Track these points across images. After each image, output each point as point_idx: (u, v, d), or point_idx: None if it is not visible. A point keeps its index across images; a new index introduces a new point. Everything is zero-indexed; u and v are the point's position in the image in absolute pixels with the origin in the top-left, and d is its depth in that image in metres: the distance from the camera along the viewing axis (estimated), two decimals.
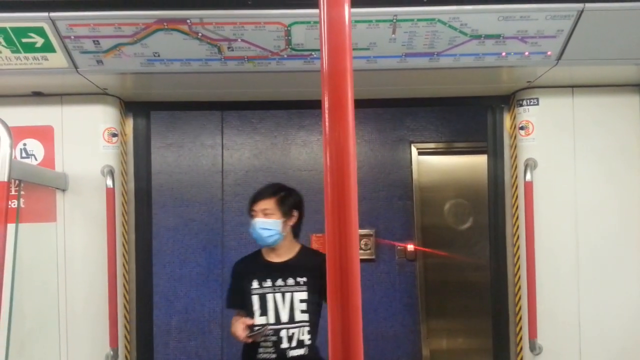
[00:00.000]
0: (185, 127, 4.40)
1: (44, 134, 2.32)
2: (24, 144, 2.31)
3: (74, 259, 2.30)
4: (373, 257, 4.37)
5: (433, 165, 4.50)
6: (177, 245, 4.36)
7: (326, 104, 0.89)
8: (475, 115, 4.40)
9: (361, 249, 4.35)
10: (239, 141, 4.43)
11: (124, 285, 2.40)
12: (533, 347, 2.30)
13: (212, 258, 4.37)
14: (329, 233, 0.86)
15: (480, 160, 4.37)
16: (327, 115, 0.88)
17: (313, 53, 1.95)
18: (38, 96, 2.30)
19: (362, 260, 4.29)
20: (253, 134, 4.44)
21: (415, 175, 4.43)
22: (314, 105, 2.48)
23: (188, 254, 4.37)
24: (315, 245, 4.35)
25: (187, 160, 4.40)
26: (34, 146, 2.31)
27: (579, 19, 1.82)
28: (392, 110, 4.41)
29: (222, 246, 4.38)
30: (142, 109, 2.49)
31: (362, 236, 4.35)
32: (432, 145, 4.47)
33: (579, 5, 1.79)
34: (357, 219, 0.87)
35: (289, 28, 1.84)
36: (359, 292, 0.86)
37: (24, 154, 2.31)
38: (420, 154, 4.45)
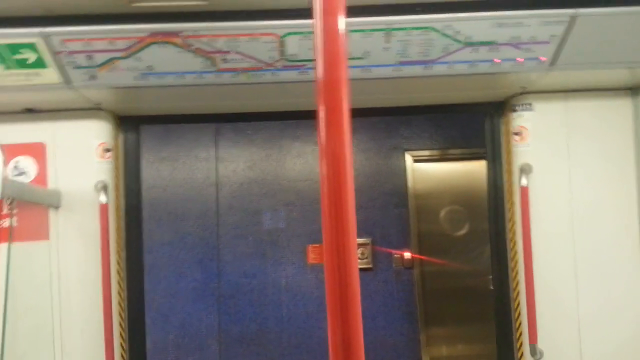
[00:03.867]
0: (180, 141, 4.39)
1: (37, 151, 2.29)
2: (16, 162, 2.28)
3: (68, 278, 2.26)
4: (370, 265, 4.37)
5: (428, 172, 4.51)
6: (173, 259, 4.33)
7: (322, 114, 0.88)
8: (469, 122, 4.43)
9: (358, 258, 4.33)
10: (234, 153, 4.42)
11: (119, 304, 2.36)
12: (534, 352, 2.28)
13: (208, 272, 4.34)
14: (326, 243, 0.85)
15: (474, 167, 4.41)
16: (323, 125, 0.87)
17: (307, 63, 1.94)
18: (30, 113, 2.27)
19: (359, 270, 4.30)
20: (247, 145, 4.44)
21: (410, 183, 4.43)
22: (309, 115, 2.47)
23: (184, 268, 4.33)
24: (311, 256, 4.34)
25: (181, 174, 4.39)
26: (26, 163, 2.28)
27: (572, 24, 1.83)
28: (387, 119, 4.42)
29: (218, 260, 4.35)
30: (132, 123, 2.47)
31: (359, 245, 4.34)
32: (426, 152, 4.49)
33: (572, 11, 1.80)
34: (355, 228, 0.86)
35: (282, 39, 1.84)
36: (358, 302, 0.85)
37: (16, 172, 2.28)
38: (415, 161, 4.47)
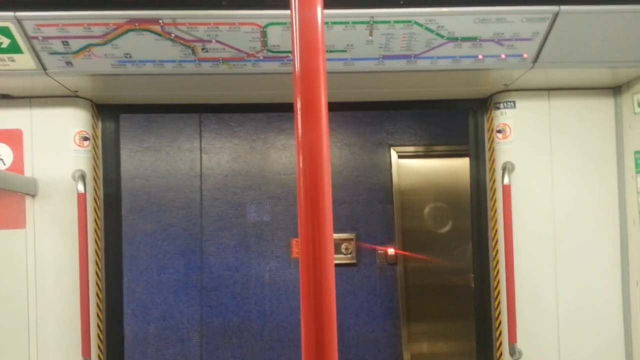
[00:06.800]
0: (162, 131, 4.34)
1: (13, 138, 2.24)
2: None
3: (44, 267, 2.23)
4: (354, 261, 4.37)
5: (412, 168, 4.52)
6: (155, 251, 4.30)
7: (298, 106, 0.86)
8: (453, 119, 4.45)
9: (342, 253, 4.33)
10: (218, 145, 4.39)
11: (97, 294, 2.34)
12: (513, 351, 2.29)
13: (190, 264, 4.32)
14: (302, 236, 0.84)
15: (458, 164, 4.42)
16: (299, 117, 0.86)
17: (289, 55, 1.92)
18: (6, 99, 2.22)
19: (343, 265, 4.32)
20: (232, 137, 4.41)
21: (395, 179, 4.44)
22: (292, 108, 2.46)
23: (166, 259, 4.30)
24: (295, 250, 4.33)
25: (164, 165, 4.34)
26: (2, 150, 2.24)
27: (554, 21, 1.83)
28: (372, 113, 4.42)
29: (201, 252, 4.32)
30: (111, 112, 2.43)
31: (343, 240, 4.33)
32: (411, 148, 4.49)
33: (555, 8, 1.79)
34: (332, 222, 0.84)
35: (264, 29, 1.81)
36: (333, 297, 0.83)
37: None
38: (400, 157, 4.46)
